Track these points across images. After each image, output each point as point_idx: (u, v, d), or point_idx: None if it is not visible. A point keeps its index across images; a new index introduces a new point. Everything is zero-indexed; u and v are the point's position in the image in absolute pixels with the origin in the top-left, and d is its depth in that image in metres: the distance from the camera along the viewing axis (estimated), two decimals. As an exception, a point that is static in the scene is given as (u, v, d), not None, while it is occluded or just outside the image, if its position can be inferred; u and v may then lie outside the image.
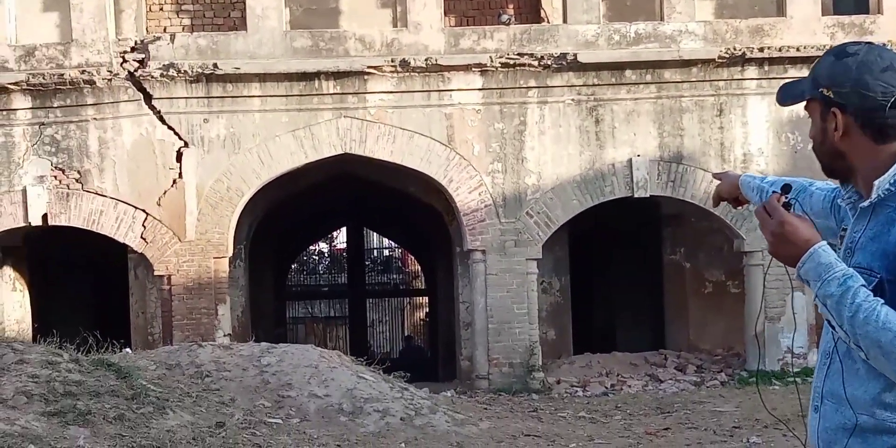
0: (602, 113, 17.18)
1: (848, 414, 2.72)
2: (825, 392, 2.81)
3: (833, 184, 3.09)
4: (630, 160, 17.09)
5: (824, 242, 2.68)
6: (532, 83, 17.02)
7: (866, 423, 2.69)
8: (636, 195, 17.14)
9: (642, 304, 21.14)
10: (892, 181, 2.72)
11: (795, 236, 2.69)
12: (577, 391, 16.59)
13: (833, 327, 2.67)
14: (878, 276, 2.64)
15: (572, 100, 17.14)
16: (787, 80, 3.02)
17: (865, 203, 2.79)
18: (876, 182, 2.74)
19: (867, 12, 17.75)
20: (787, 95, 2.94)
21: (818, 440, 2.83)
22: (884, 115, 2.72)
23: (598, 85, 17.12)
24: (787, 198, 2.80)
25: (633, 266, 21.47)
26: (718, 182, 3.86)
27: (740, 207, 3.85)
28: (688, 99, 17.22)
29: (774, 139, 17.24)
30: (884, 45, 2.83)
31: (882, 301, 2.58)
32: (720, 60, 16.95)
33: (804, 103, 2.90)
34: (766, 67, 17.07)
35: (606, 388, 16.74)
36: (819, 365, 2.88)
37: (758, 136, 17.25)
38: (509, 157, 17.06)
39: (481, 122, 17.04)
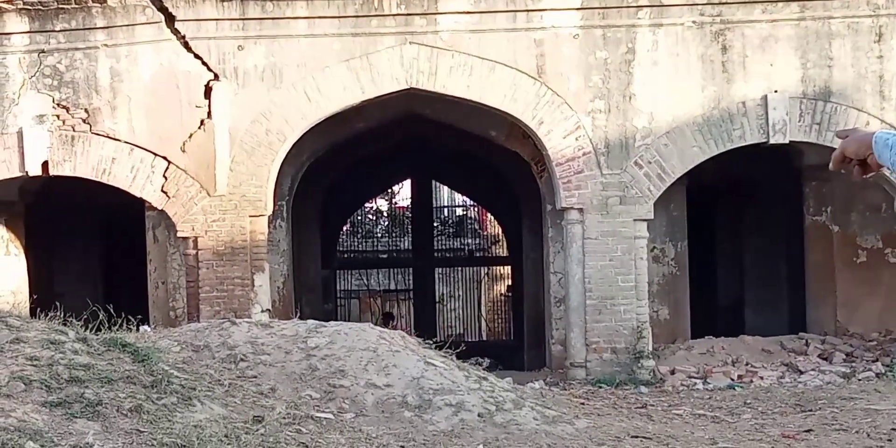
0: (731, 38, 16.98)
1: None
2: None
3: None
4: (765, 97, 16.91)
5: None
6: (643, 1, 16.85)
7: None
8: (772, 141, 16.98)
9: (778, 277, 20.99)
10: None
11: None
12: (695, 383, 16.56)
13: None
14: None
15: (693, 22, 16.95)
16: None
17: None
18: None
19: None
20: None
21: None
22: None
23: (726, 3, 16.92)
24: None
25: (767, 229, 21.31)
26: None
27: (864, 177, 3.74)
28: (838, 21, 16.96)
29: (948, 71, 17.00)
30: None
31: None
32: (880, -28, 16.73)
33: None
34: (940, -20, 16.82)
35: (733, 379, 16.68)
36: None
37: (927, 68, 17.02)
38: (614, 93, 16.92)
39: (579, 51, 16.91)
